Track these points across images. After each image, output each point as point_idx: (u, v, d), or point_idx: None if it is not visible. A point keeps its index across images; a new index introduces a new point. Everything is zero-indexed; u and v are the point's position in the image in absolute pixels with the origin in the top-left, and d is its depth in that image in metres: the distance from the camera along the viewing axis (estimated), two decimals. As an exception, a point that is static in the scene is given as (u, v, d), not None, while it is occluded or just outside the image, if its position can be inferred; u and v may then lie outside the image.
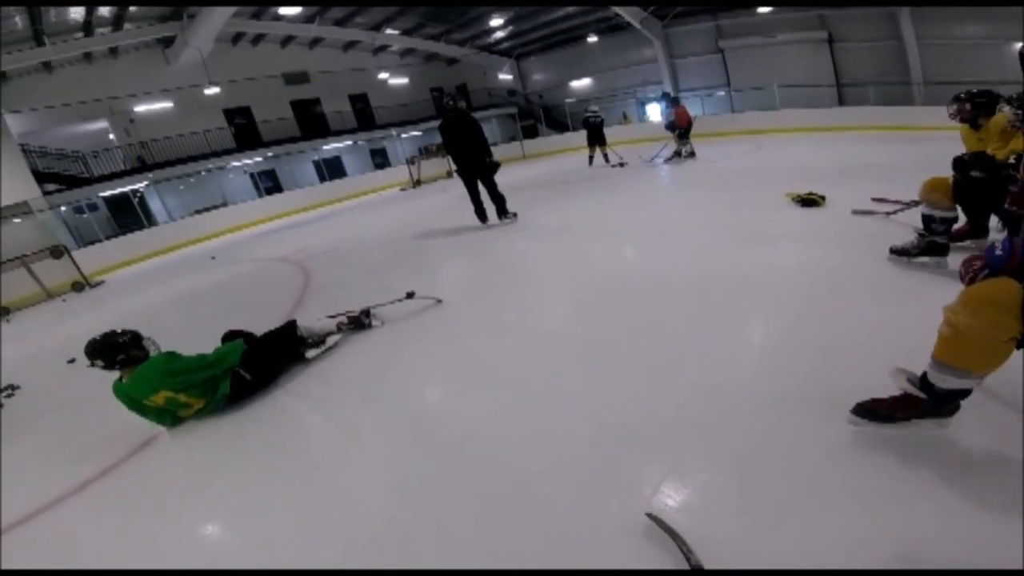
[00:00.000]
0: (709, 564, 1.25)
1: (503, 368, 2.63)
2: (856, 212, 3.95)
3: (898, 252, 2.86)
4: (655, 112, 19.02)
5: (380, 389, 2.66)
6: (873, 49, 14.19)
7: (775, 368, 2.13)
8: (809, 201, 4.44)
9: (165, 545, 1.85)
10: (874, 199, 4.13)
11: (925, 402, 1.44)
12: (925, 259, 2.76)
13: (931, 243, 2.73)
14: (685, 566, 1.25)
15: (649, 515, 1.41)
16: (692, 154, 9.33)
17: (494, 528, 1.57)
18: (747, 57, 16.52)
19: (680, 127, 9.31)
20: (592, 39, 19.49)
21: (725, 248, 3.86)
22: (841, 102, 14.55)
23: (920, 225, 2.83)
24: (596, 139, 10.70)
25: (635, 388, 2.17)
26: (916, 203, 3.49)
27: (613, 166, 10.04)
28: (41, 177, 13.56)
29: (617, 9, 16.25)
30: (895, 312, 2.37)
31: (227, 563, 1.72)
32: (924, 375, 1.41)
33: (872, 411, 1.53)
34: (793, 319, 2.56)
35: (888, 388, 1.57)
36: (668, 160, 9.51)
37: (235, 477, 2.19)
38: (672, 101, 9.66)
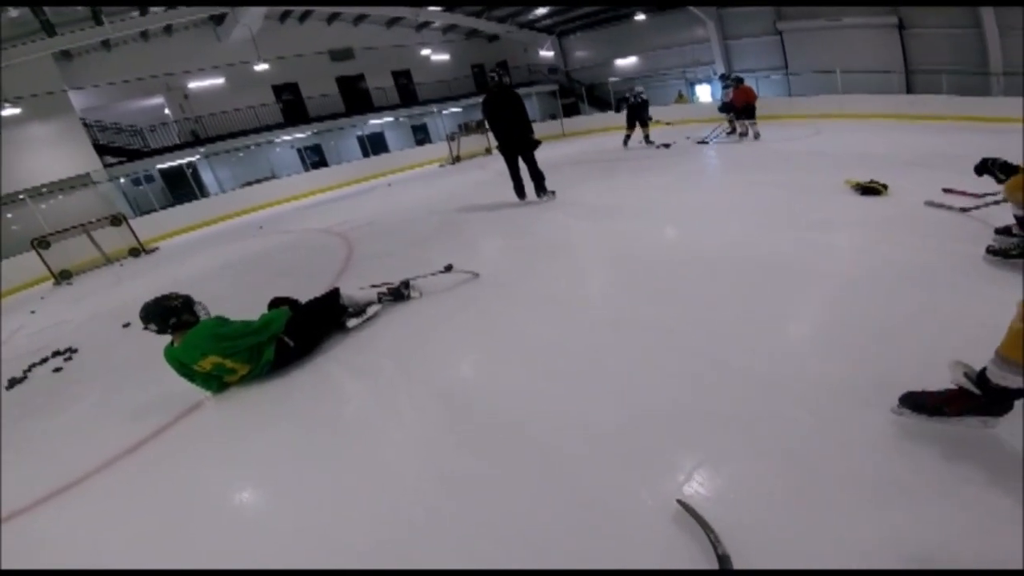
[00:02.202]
0: (736, 554, 1.22)
1: (538, 344, 2.60)
2: (929, 204, 3.68)
3: (996, 253, 2.57)
4: (705, 93, 18.34)
5: (416, 360, 2.68)
6: (949, 36, 13.18)
7: (820, 357, 2.05)
8: (870, 189, 4.17)
9: (204, 506, 1.94)
10: (946, 190, 3.84)
11: (979, 399, 1.38)
12: None
13: None
14: (712, 555, 1.23)
15: (680, 502, 1.39)
16: (757, 135, 9.09)
17: (522, 505, 1.56)
18: (808, 40, 15.61)
19: (737, 107, 9.17)
20: (639, 17, 18.81)
21: (775, 232, 3.70)
22: (909, 90, 13.61)
23: (998, 222, 2.63)
24: (637, 119, 10.42)
25: (672, 370, 2.12)
26: (995, 199, 3.23)
27: (658, 147, 9.74)
28: (102, 150, 14.30)
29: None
30: (953, 308, 2.23)
31: (257, 525, 1.78)
32: (983, 371, 1.36)
33: (920, 403, 1.48)
34: (842, 308, 2.44)
35: (938, 383, 1.49)
36: (720, 141, 9.37)
37: (274, 443, 2.24)
38: (736, 80, 9.36)
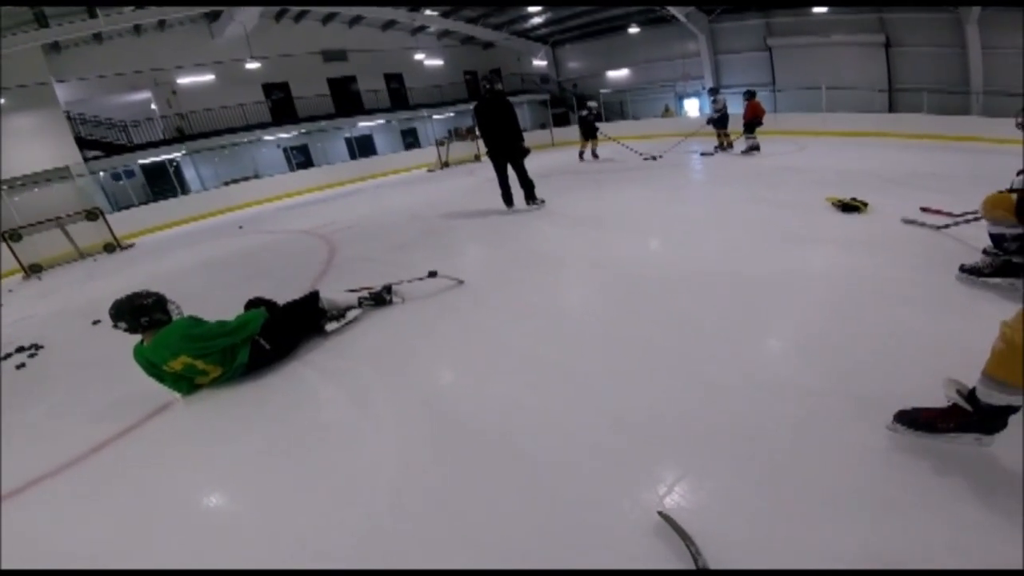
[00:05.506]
0: (717, 566, 1.22)
1: (521, 354, 2.57)
2: (905, 221, 3.76)
3: (969, 271, 2.62)
4: (693, 107, 18.59)
5: (396, 367, 2.64)
6: (933, 55, 13.53)
7: (802, 371, 2.06)
8: (851, 207, 4.25)
9: (172, 510, 1.87)
10: (923, 209, 3.93)
11: (971, 415, 1.40)
12: (998, 280, 2.53)
13: (1005, 263, 2.54)
14: (692, 566, 1.22)
15: (661, 514, 1.38)
16: (756, 148, 9.24)
17: (500, 514, 1.54)
18: (796, 56, 15.91)
19: (744, 120, 9.39)
20: (633, 30, 19.02)
21: (757, 247, 3.74)
22: (892, 108, 13.95)
23: (977, 242, 2.66)
24: (589, 134, 11.09)
25: (655, 382, 2.11)
26: (971, 217, 3.30)
27: (646, 159, 9.83)
28: (83, 144, 13.95)
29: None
30: (925, 325, 2.27)
31: (228, 531, 1.72)
32: (973, 389, 1.38)
33: (914, 420, 1.50)
34: (823, 323, 2.47)
35: (927, 399, 1.52)
36: (711, 154, 9.74)
37: (245, 446, 2.18)
38: (748, 94, 9.49)
